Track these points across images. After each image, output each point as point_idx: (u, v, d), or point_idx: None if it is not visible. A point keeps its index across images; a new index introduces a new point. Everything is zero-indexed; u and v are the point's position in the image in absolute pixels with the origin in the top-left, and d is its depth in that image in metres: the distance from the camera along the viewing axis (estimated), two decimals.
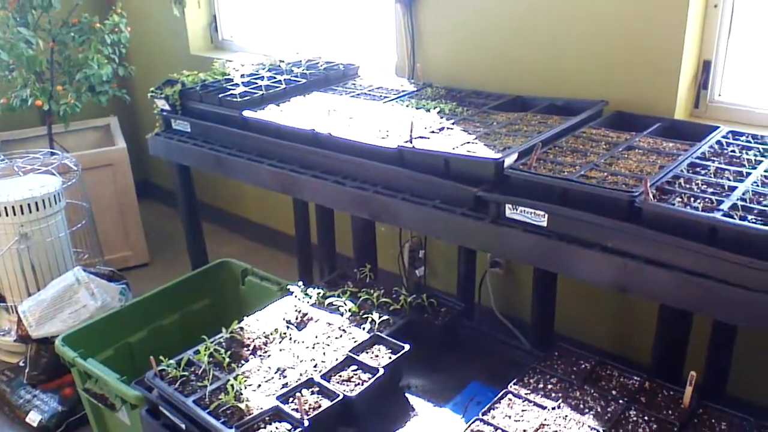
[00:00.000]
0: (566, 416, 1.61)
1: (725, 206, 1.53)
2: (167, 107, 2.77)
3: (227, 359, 1.87)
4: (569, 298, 2.45)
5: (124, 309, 2.47)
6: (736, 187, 1.62)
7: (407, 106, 2.41)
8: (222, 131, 2.57)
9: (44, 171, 3.05)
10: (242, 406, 1.69)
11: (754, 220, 1.47)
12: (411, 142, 2.02)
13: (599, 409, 1.63)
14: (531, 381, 1.75)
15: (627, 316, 2.53)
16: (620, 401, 1.65)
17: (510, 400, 1.69)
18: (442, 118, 2.25)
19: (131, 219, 3.78)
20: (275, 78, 2.76)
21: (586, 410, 1.64)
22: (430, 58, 2.81)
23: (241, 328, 2.02)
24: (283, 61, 3.00)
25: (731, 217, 1.48)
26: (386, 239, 3.04)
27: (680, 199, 1.59)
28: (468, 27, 2.66)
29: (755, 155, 1.84)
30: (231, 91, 2.61)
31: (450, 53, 2.75)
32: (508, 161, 1.85)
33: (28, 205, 2.82)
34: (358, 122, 2.26)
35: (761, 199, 1.57)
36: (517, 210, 1.78)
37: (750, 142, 1.95)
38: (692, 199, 1.59)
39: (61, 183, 3.01)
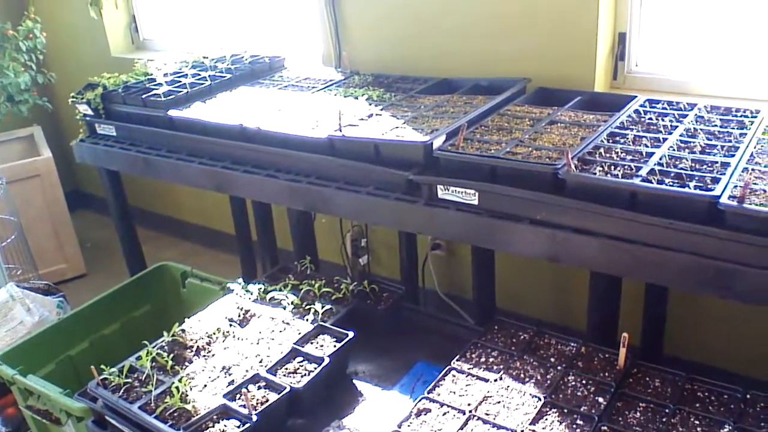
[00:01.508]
0: (508, 386, 1.66)
1: (643, 172, 1.59)
2: (90, 112, 2.69)
3: (170, 362, 1.85)
4: (508, 273, 2.51)
5: (63, 322, 2.40)
6: (654, 153, 1.69)
7: (335, 95, 2.41)
8: (149, 132, 2.51)
9: None
10: (189, 407, 1.67)
11: (671, 183, 1.54)
12: (341, 131, 2.02)
13: (539, 377, 1.69)
14: (473, 356, 1.80)
15: (563, 285, 2.61)
16: (558, 368, 1.71)
17: (454, 376, 1.72)
18: (370, 105, 2.26)
19: (64, 230, 3.67)
20: (200, 75, 2.72)
21: (527, 379, 1.69)
22: (356, 46, 2.81)
23: (183, 331, 2.00)
24: (207, 58, 2.95)
25: (649, 182, 1.55)
26: (328, 230, 3.04)
27: (601, 168, 1.65)
28: (390, 13, 2.67)
29: (671, 121, 1.92)
30: (155, 91, 2.56)
31: (375, 40, 2.76)
32: (437, 143, 1.88)
33: None
34: (286, 114, 2.25)
35: (677, 162, 1.65)
36: (448, 190, 1.81)
37: (666, 109, 2.03)
38: (612, 167, 1.65)
39: None
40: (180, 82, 2.65)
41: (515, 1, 2.36)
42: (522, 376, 1.70)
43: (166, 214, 4.05)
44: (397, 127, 2.01)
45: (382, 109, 2.19)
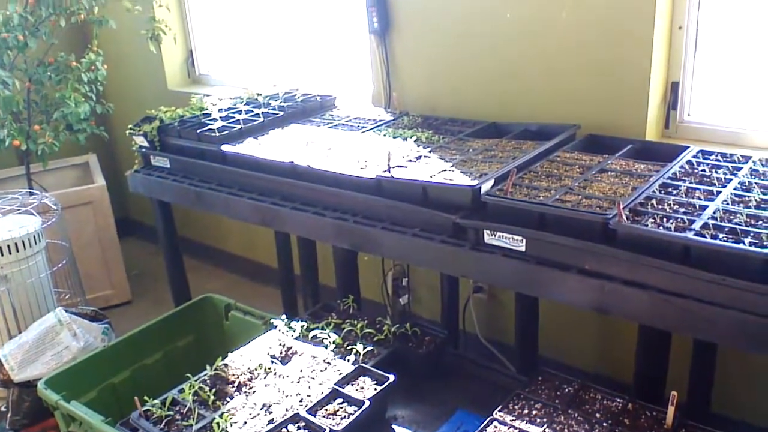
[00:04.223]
0: None
1: (697, 225, 1.56)
2: (146, 144, 2.78)
3: (212, 397, 1.86)
4: (552, 320, 2.47)
5: (107, 349, 2.44)
6: (707, 206, 1.66)
7: (384, 135, 2.44)
8: (201, 166, 2.58)
9: (23, 211, 3.04)
10: None
11: (725, 239, 1.50)
12: (389, 172, 2.04)
13: None
14: (516, 407, 1.76)
15: (609, 336, 2.55)
16: (604, 424, 1.66)
17: (495, 427, 1.69)
18: (418, 146, 2.28)
19: (112, 257, 3.76)
20: (253, 111, 2.79)
21: None
22: (406, 87, 2.85)
23: (226, 365, 2.02)
24: (260, 95, 3.03)
25: (703, 236, 1.52)
26: (370, 267, 3.05)
27: (653, 220, 1.62)
28: (441, 56, 2.71)
29: (725, 173, 1.88)
30: (209, 126, 2.63)
31: (425, 82, 2.79)
32: (485, 187, 1.88)
33: (8, 246, 2.80)
34: (336, 153, 2.28)
35: (731, 217, 1.61)
36: (495, 235, 1.80)
37: (719, 161, 1.99)
38: (665, 219, 1.62)
39: (41, 223, 2.99)
40: (234, 117, 2.72)
41: (566, 46, 2.37)
42: (566, 431, 1.66)
43: (212, 244, 4.12)
44: (445, 170, 2.01)
45: (430, 151, 2.21)
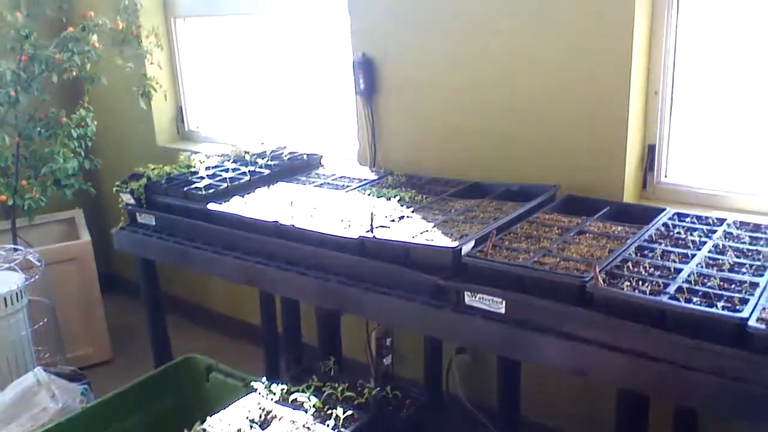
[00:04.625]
0: None
1: (671, 289, 1.59)
2: (132, 201, 2.79)
3: None
4: (535, 382, 2.46)
5: (85, 411, 2.40)
6: (682, 269, 1.69)
7: (369, 194, 2.48)
8: (187, 224, 2.59)
9: (6, 267, 3.02)
10: None
11: (698, 302, 1.53)
12: (372, 232, 2.07)
13: None
14: None
15: (592, 398, 2.54)
16: None
17: None
18: (402, 206, 2.32)
19: (95, 314, 3.72)
20: (240, 169, 2.82)
21: None
22: (391, 147, 2.90)
23: (204, 430, 1.99)
24: (248, 152, 3.07)
25: (677, 300, 1.54)
26: (354, 327, 3.04)
27: (629, 283, 1.65)
28: (426, 117, 2.77)
29: (699, 236, 1.92)
30: (196, 184, 2.66)
31: (409, 142, 2.85)
32: (465, 249, 1.91)
33: None
34: (321, 212, 2.31)
35: (705, 280, 1.64)
36: (475, 297, 1.82)
37: (694, 223, 2.04)
38: (640, 282, 1.65)
39: (24, 280, 2.98)
40: (221, 176, 2.75)
41: (546, 109, 2.44)
42: None
43: (197, 302, 4.10)
44: (427, 231, 2.04)
45: (413, 211, 2.24)
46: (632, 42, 2.21)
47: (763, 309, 1.47)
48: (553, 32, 2.36)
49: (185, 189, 2.63)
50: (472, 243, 1.93)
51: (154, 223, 2.74)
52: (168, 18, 3.93)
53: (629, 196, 2.39)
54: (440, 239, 1.97)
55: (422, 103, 2.77)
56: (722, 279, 1.64)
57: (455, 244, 1.90)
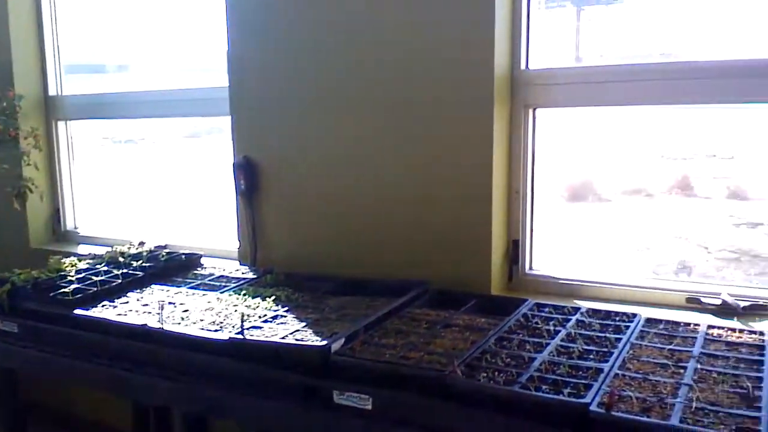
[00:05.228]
0: None
1: (524, 378, 1.67)
2: None
3: None
4: None
5: None
6: (536, 358, 1.79)
7: (245, 294, 2.47)
8: (52, 331, 2.47)
9: None
10: None
11: (547, 390, 1.62)
12: (242, 333, 2.06)
13: None
14: None
15: None
16: None
17: None
18: (277, 305, 2.33)
19: None
20: (112, 272, 2.75)
21: None
22: (271, 245, 2.94)
23: None
24: (123, 254, 3.00)
25: (528, 388, 1.62)
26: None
27: (485, 374, 1.72)
28: (305, 217, 2.84)
29: (554, 325, 2.05)
30: (63, 289, 2.56)
31: (289, 240, 2.90)
32: (335, 347, 1.93)
33: None
34: (193, 314, 2.28)
35: (555, 368, 1.74)
36: (344, 395, 1.83)
37: (551, 313, 2.17)
38: (497, 372, 1.72)
39: None
40: (91, 279, 2.67)
41: (417, 210, 2.56)
42: None
43: (60, 408, 3.81)
44: (298, 330, 2.06)
45: (287, 310, 2.26)
46: (492, 151, 2.40)
47: (605, 394, 1.57)
48: (422, 142, 2.53)
49: (51, 294, 2.52)
50: (342, 341, 1.96)
51: (16, 331, 2.59)
52: (49, 120, 3.87)
53: (496, 288, 2.52)
54: (311, 338, 1.99)
55: (301, 203, 2.85)
56: (571, 366, 1.74)
57: (324, 343, 1.92)
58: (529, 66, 2.50)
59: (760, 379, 1.64)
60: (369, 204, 2.67)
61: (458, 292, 2.39)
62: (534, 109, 2.51)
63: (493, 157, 2.41)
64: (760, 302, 2.22)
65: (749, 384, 1.59)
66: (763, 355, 1.79)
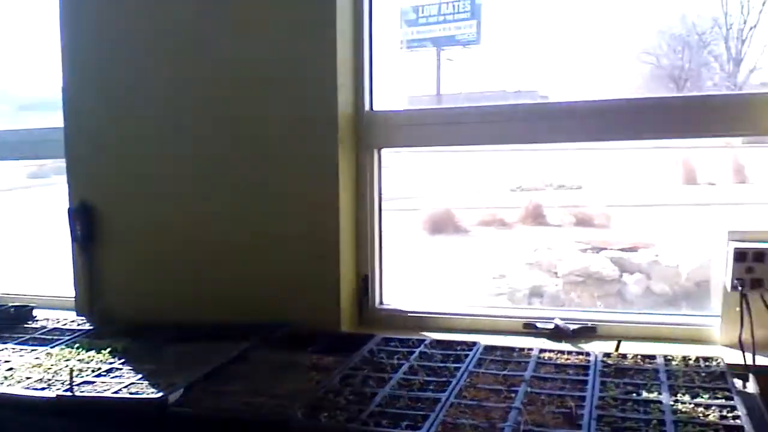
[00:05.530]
0: None
1: (365, 415, 1.67)
2: None
3: None
4: None
5: None
6: (377, 393, 1.80)
7: (78, 347, 2.31)
8: None
9: None
10: None
11: (386, 424, 1.63)
12: (71, 390, 1.91)
13: None
14: None
15: None
16: None
17: None
18: (114, 357, 2.19)
19: None
20: None
21: None
22: (110, 293, 2.77)
23: None
24: None
25: (367, 424, 1.63)
26: None
27: (327, 414, 1.70)
28: (146, 261, 2.72)
29: (398, 359, 2.08)
30: None
31: (128, 288, 2.75)
32: (172, 398, 1.84)
33: None
34: (18, 373, 2.09)
35: (396, 402, 1.76)
36: None
37: (397, 347, 2.20)
38: (339, 411, 1.71)
39: None
40: None
41: (266, 250, 2.53)
42: None
43: None
44: (133, 383, 1.95)
45: (123, 362, 2.13)
46: (338, 189, 2.44)
47: (441, 423, 1.61)
48: (268, 181, 2.51)
49: None
50: (180, 391, 1.88)
51: None
52: None
53: (347, 325, 2.53)
54: (147, 391, 1.88)
55: (143, 247, 2.72)
56: (411, 398, 1.77)
57: (160, 395, 1.83)
58: (373, 107, 2.58)
59: (583, 398, 1.74)
60: (215, 246, 2.60)
61: (307, 332, 2.37)
62: (379, 150, 2.58)
63: (339, 196, 2.44)
64: (589, 324, 2.38)
65: (572, 404, 1.69)
66: (587, 375, 1.92)
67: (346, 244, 2.50)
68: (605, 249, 7.74)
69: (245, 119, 2.51)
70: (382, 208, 2.63)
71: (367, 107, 2.55)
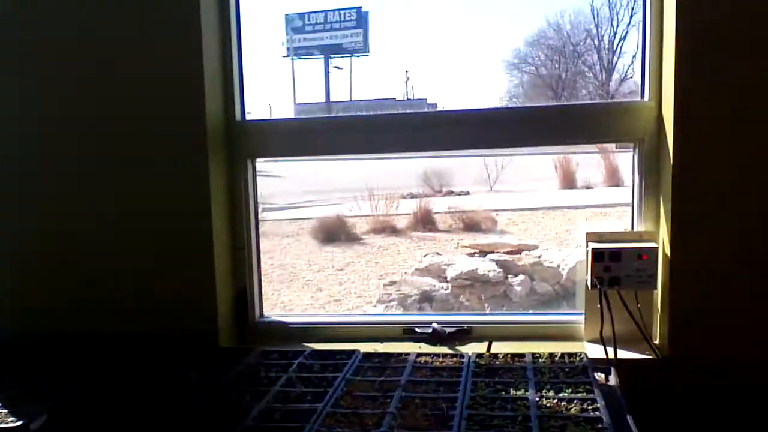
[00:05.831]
0: None
1: (239, 430, 1.65)
2: None
3: None
4: None
5: None
6: (253, 407, 1.78)
7: None
8: None
9: None
10: None
11: None
12: None
13: None
14: None
15: None
16: None
17: None
18: None
19: None
20: None
21: None
22: None
23: None
24: None
25: None
26: None
27: None
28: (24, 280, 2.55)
29: (276, 372, 2.06)
30: None
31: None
32: (35, 426, 1.74)
33: None
34: None
35: (272, 415, 1.74)
36: None
37: (276, 359, 2.17)
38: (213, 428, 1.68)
39: None
40: None
41: (144, 267, 2.44)
42: None
43: None
44: None
45: None
46: (210, 201, 2.38)
47: None
48: (140, 195, 2.42)
49: None
50: (44, 417, 1.77)
51: None
52: None
53: (225, 340, 2.47)
54: (7, 419, 1.77)
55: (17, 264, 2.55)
56: (287, 411, 1.76)
57: (19, 423, 1.72)
58: (245, 117, 2.55)
59: (455, 400, 1.80)
60: (88, 260, 2.48)
61: (185, 349, 2.30)
62: (253, 159, 2.56)
63: (211, 207, 2.39)
64: (465, 327, 2.46)
65: (443, 405, 1.74)
66: (460, 376, 1.98)
67: (221, 258, 2.45)
68: (492, 252, 8.05)
69: (116, 136, 2.39)
70: (259, 219, 2.61)
71: (238, 116, 2.52)
